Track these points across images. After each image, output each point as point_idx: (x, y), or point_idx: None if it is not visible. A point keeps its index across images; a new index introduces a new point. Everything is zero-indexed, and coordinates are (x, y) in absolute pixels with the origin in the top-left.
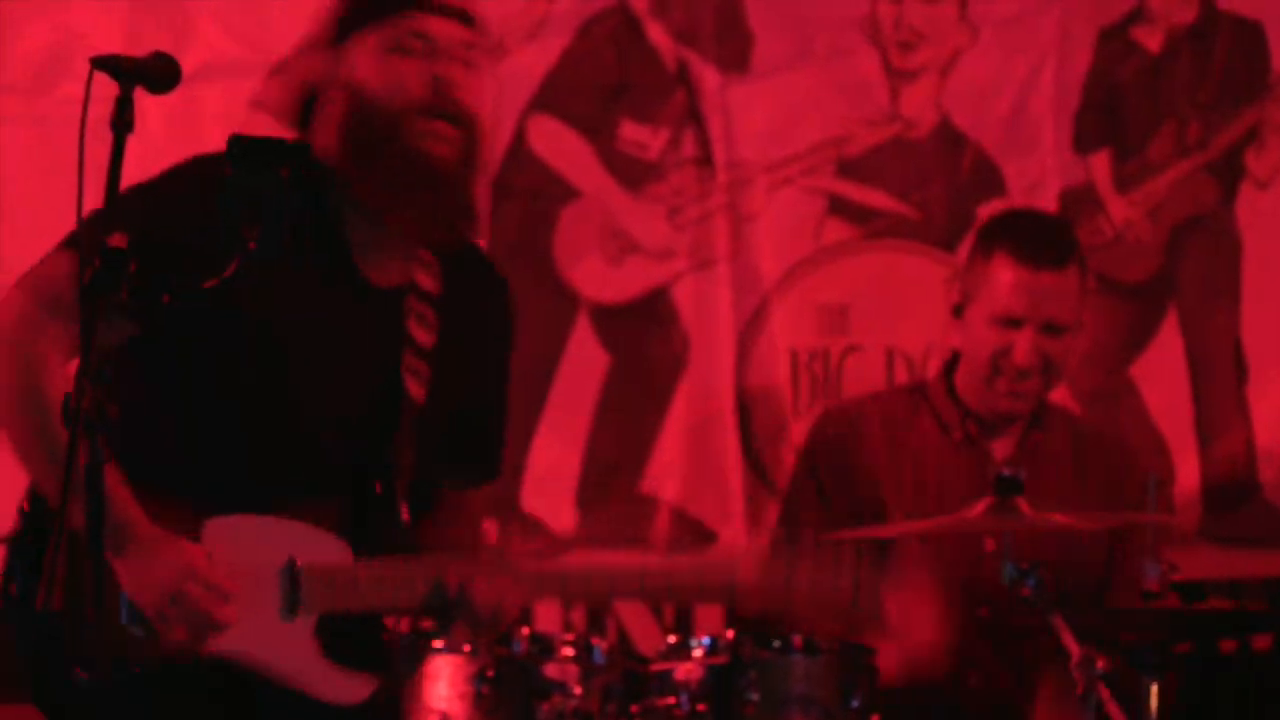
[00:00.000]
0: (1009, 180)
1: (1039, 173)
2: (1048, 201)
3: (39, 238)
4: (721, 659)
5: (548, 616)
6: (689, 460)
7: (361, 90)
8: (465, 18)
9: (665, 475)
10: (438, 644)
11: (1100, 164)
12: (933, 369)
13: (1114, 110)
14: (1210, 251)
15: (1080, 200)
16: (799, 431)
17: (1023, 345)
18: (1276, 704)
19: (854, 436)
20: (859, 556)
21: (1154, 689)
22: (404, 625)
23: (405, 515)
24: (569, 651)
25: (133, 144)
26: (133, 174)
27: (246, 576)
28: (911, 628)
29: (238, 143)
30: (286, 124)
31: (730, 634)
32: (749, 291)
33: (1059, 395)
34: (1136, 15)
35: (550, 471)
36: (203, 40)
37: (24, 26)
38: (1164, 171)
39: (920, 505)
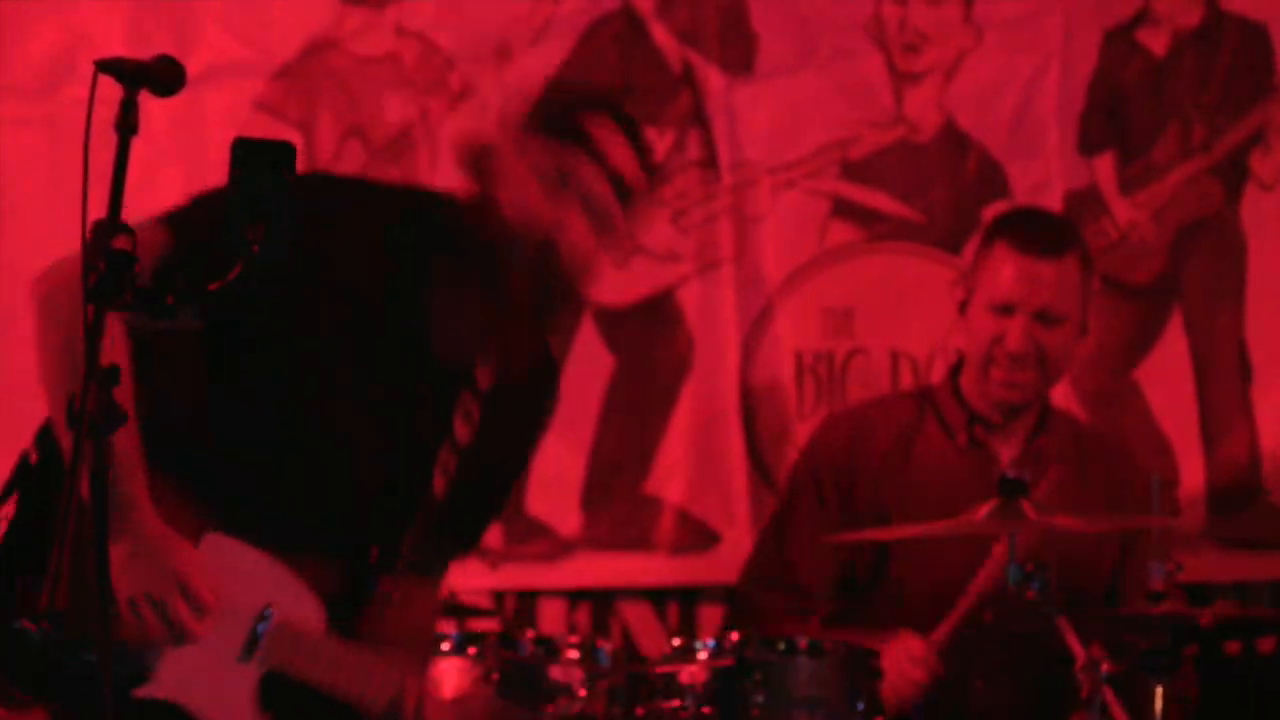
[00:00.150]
0: (1013, 182)
1: (1043, 175)
2: (1052, 203)
3: (45, 239)
4: (726, 661)
5: (552, 618)
6: (693, 462)
7: (501, 198)
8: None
9: (670, 477)
10: (444, 646)
11: (1105, 166)
12: (937, 371)
13: (1118, 112)
14: (1215, 253)
15: (1085, 202)
16: (803, 433)
17: (1015, 331)
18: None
19: (857, 441)
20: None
21: (1159, 691)
22: None
23: (386, 588)
24: (574, 654)
25: (137, 146)
26: (137, 175)
27: (221, 604)
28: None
29: (242, 145)
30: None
31: (735, 636)
32: (753, 293)
33: (1063, 397)
34: (1141, 17)
35: (555, 474)
36: (207, 43)
37: (29, 29)
38: (1168, 173)
39: (923, 509)
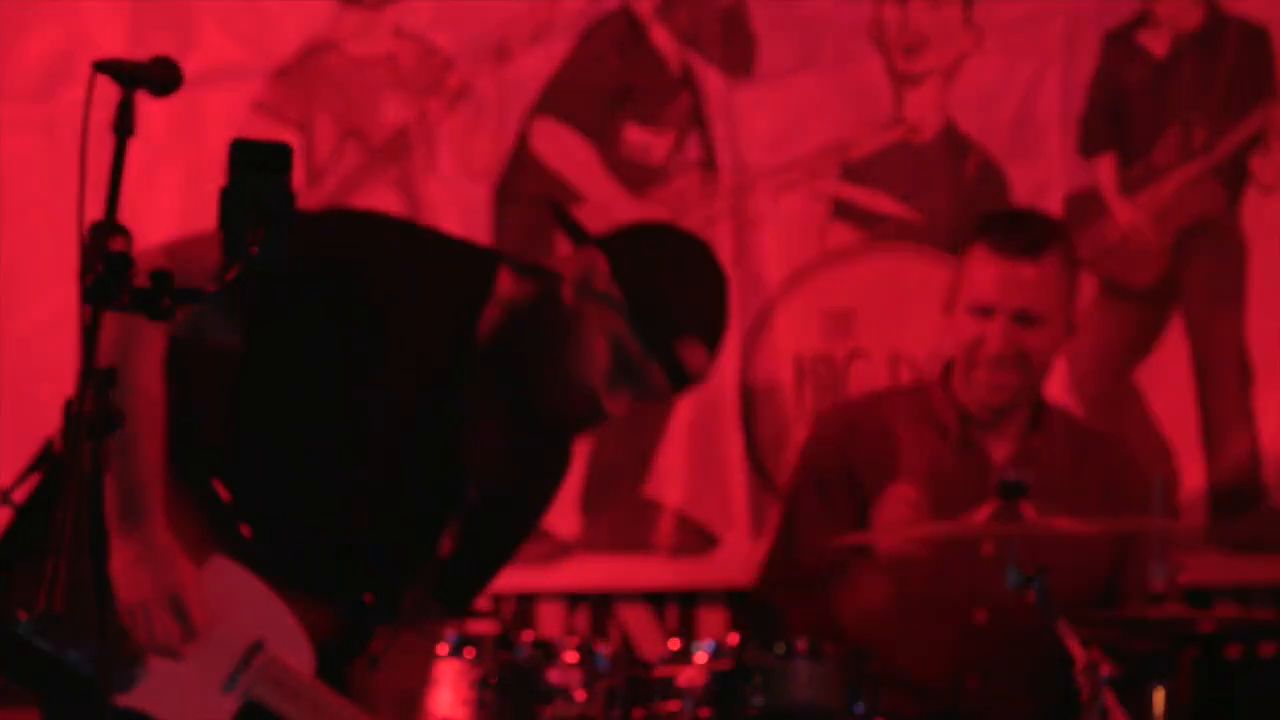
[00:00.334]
0: (1014, 184)
1: (1044, 177)
2: (1053, 205)
3: (44, 242)
4: (725, 664)
5: (550, 620)
6: (692, 464)
7: (574, 331)
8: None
9: (669, 479)
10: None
11: (1105, 168)
12: (937, 370)
13: (1119, 114)
14: (1215, 256)
15: (1085, 204)
16: (802, 436)
17: (995, 334)
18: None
19: (853, 437)
20: None
21: (1159, 694)
22: None
23: (380, 642)
24: (572, 657)
25: (135, 147)
26: (135, 176)
27: (215, 628)
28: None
29: (239, 146)
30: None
31: (734, 638)
32: (753, 296)
33: (1061, 398)
34: (1142, 19)
35: None
36: (205, 44)
37: (28, 32)
38: (1169, 176)
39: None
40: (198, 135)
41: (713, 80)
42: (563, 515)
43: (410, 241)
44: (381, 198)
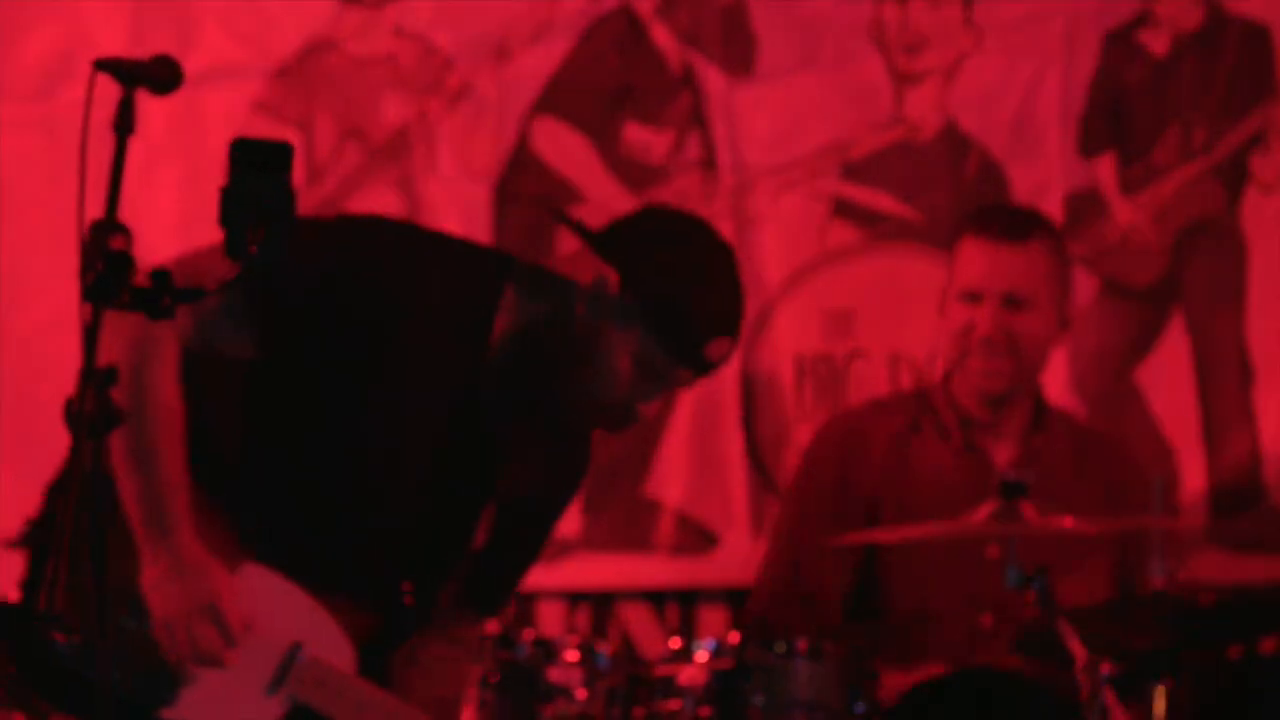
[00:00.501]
0: (1014, 184)
1: (1044, 176)
2: (1053, 205)
3: (44, 241)
4: (725, 663)
5: (551, 620)
6: (692, 464)
7: (594, 348)
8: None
9: (669, 479)
10: None
11: (1105, 167)
12: (938, 374)
13: (1119, 114)
14: (1215, 255)
15: (1085, 204)
16: (803, 435)
17: (984, 318)
18: None
19: (856, 446)
20: None
21: (1160, 693)
22: None
23: (419, 639)
24: (573, 656)
25: (136, 146)
26: (135, 175)
27: (254, 634)
28: None
29: (240, 145)
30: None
31: (734, 638)
32: (753, 295)
33: (1062, 397)
34: (1142, 19)
35: None
36: (206, 43)
37: (29, 32)
38: (1169, 175)
39: (920, 513)
40: (198, 134)
41: (713, 79)
42: (565, 516)
43: (420, 245)
44: (381, 197)
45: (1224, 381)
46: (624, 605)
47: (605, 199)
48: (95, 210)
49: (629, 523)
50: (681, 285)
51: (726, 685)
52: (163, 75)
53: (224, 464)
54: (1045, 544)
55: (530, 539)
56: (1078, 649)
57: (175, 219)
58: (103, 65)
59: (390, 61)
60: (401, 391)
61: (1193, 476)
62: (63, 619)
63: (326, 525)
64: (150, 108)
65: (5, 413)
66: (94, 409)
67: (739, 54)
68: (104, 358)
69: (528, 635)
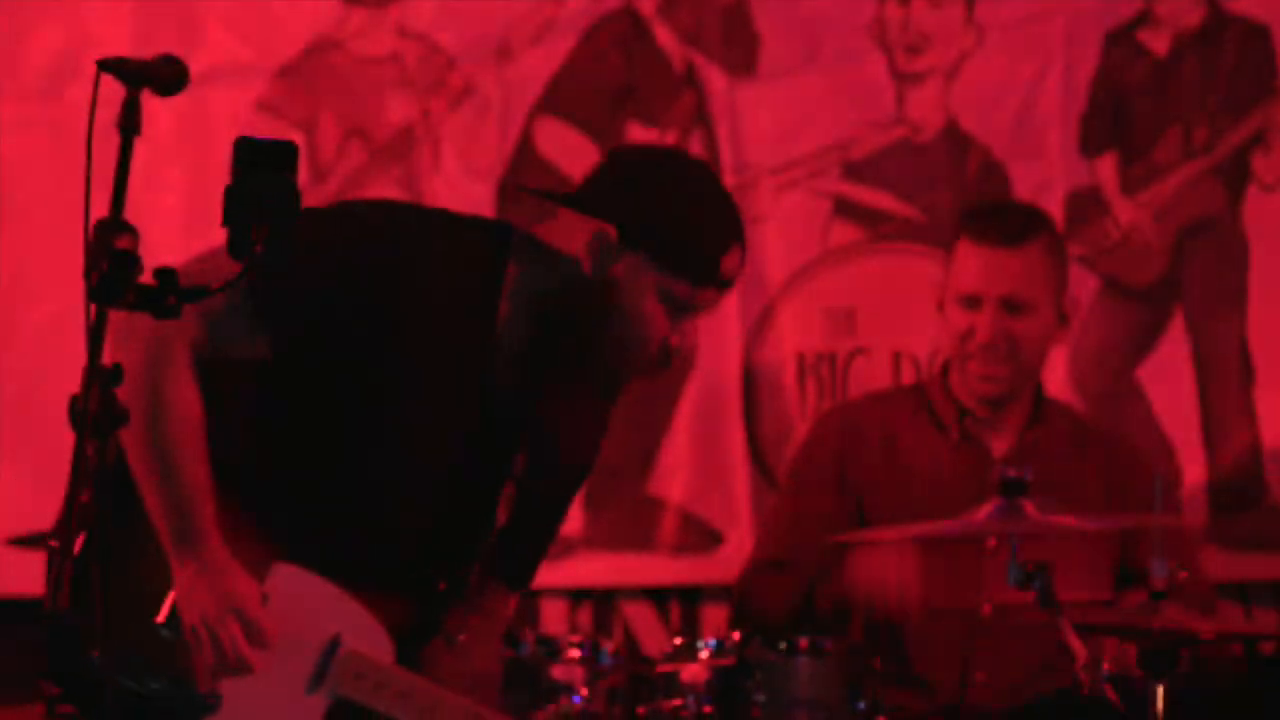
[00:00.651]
0: (1015, 183)
1: (1045, 175)
2: (1054, 204)
3: (50, 240)
4: (727, 661)
5: (554, 617)
6: (695, 462)
7: (616, 302)
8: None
9: (672, 477)
10: None
11: (1106, 167)
12: (936, 368)
13: (1120, 113)
14: (1216, 254)
15: (1086, 203)
16: (804, 434)
17: (983, 323)
18: None
19: (853, 439)
20: None
21: (1160, 690)
22: None
23: (453, 623)
24: (575, 653)
25: (140, 146)
26: (140, 175)
27: (289, 633)
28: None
29: (243, 144)
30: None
31: (736, 636)
32: (756, 294)
33: (1063, 396)
34: (1143, 18)
35: None
36: (210, 43)
37: (34, 33)
38: (1170, 174)
39: (918, 506)
40: (202, 134)
41: (715, 79)
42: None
43: (421, 222)
44: (385, 196)
45: (1224, 380)
46: (627, 603)
47: None
48: (100, 210)
49: (632, 521)
50: (677, 213)
51: (729, 683)
52: (167, 75)
53: (246, 464)
54: (1046, 539)
55: (553, 511)
56: (1077, 646)
57: (180, 218)
58: (107, 65)
59: (394, 61)
60: (417, 377)
61: (1194, 475)
62: (87, 626)
63: (352, 519)
64: (155, 108)
65: (10, 412)
66: (98, 408)
67: (741, 54)
68: (117, 362)
69: (530, 633)
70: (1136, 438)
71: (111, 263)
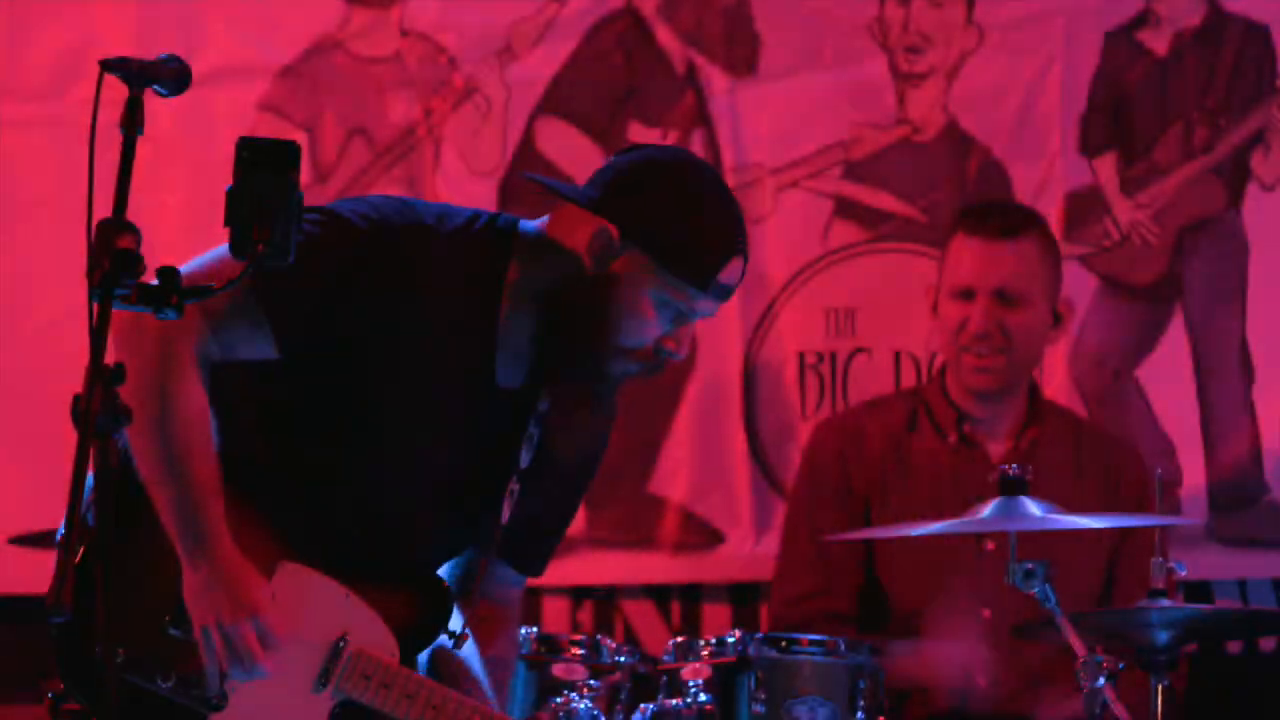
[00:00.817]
0: (1015, 183)
1: (1045, 175)
2: (1054, 204)
3: (53, 240)
4: (729, 659)
5: (555, 616)
6: (696, 461)
7: (613, 299)
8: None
9: (673, 476)
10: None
11: (1106, 167)
12: (934, 371)
13: (1120, 113)
14: (1216, 254)
15: (1086, 203)
16: (806, 433)
17: (977, 314)
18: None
19: (855, 445)
20: None
21: (1160, 689)
22: None
23: (458, 619)
24: (577, 651)
25: (143, 146)
26: (142, 175)
27: (295, 632)
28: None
29: (246, 144)
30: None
31: (737, 634)
32: (756, 294)
33: (1062, 395)
34: (1143, 18)
35: None
36: (213, 43)
37: (37, 33)
38: (1170, 174)
39: (918, 510)
40: (204, 134)
41: (716, 79)
42: None
43: (423, 221)
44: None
45: (1224, 380)
46: (628, 601)
47: None
48: (103, 209)
49: (633, 519)
50: (681, 218)
51: (730, 681)
52: (170, 75)
53: (252, 464)
54: (1044, 538)
55: (562, 505)
56: (1077, 645)
57: (182, 218)
58: (109, 65)
59: (396, 61)
60: (420, 375)
61: (1193, 473)
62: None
63: (357, 518)
64: (157, 107)
65: (11, 412)
66: (101, 407)
67: (742, 54)
68: (119, 361)
69: (532, 631)
70: (1136, 438)
71: (114, 262)
